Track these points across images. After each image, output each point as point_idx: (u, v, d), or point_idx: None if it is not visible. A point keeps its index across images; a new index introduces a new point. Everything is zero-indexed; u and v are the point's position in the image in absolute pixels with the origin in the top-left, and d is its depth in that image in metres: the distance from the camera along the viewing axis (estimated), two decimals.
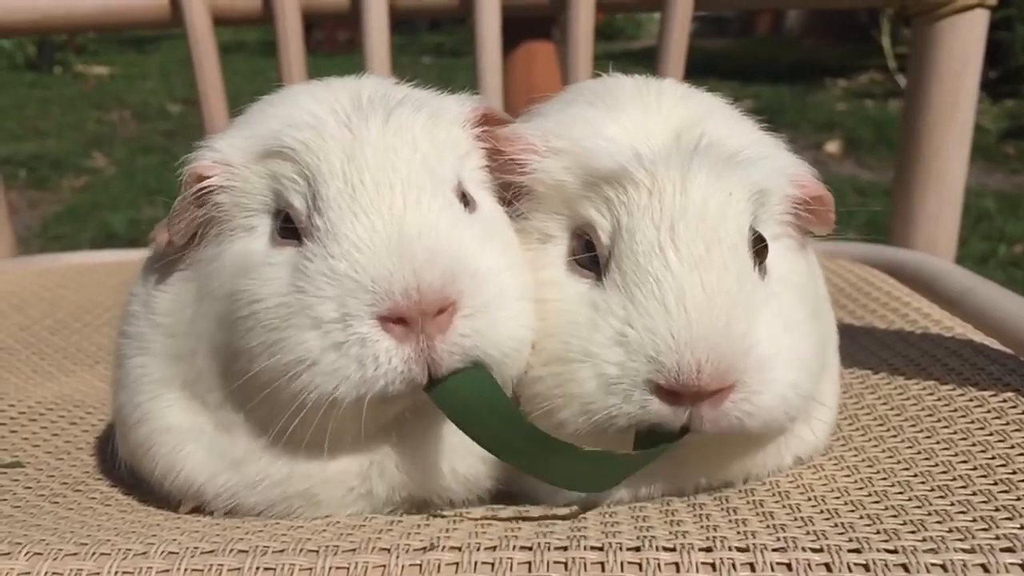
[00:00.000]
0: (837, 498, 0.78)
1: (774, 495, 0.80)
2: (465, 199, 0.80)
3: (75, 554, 0.70)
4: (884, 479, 0.81)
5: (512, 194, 0.85)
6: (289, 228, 0.77)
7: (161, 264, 0.85)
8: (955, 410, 0.94)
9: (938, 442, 0.88)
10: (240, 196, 0.80)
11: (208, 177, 0.80)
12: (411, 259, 0.71)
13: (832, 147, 5.79)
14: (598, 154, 0.80)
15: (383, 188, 0.74)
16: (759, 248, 0.80)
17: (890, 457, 0.86)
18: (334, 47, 11.59)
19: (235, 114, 0.88)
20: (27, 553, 0.71)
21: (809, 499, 0.78)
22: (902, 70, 6.76)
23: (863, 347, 1.16)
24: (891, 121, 6.18)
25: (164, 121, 7.09)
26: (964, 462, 0.83)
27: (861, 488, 0.80)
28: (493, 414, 0.73)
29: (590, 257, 0.80)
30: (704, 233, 0.76)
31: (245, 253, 0.79)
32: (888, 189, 4.68)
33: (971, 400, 0.95)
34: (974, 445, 0.86)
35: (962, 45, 1.58)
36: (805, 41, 9.71)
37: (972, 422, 0.90)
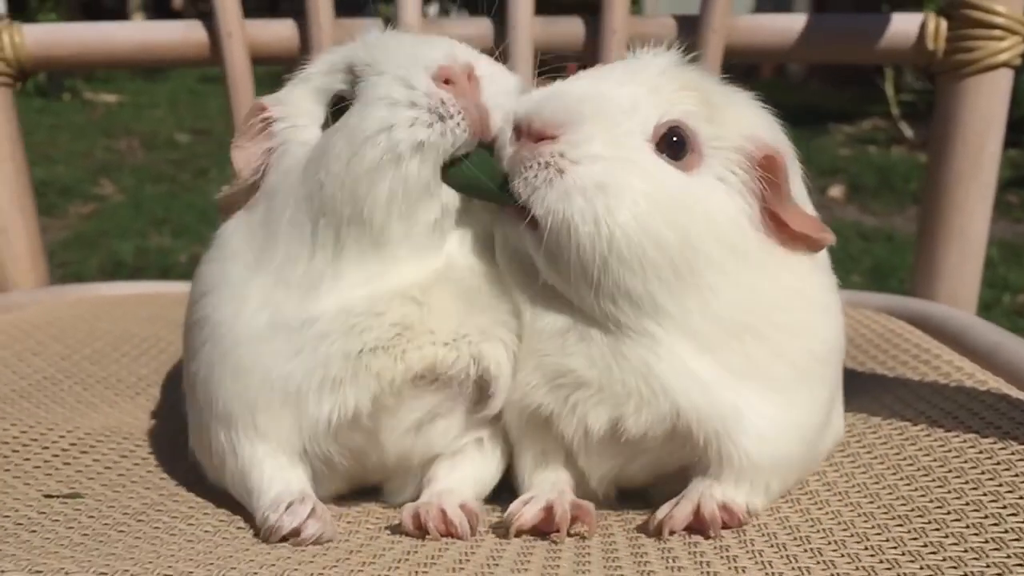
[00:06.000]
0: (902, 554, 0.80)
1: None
2: None
3: None
4: (937, 530, 0.84)
5: None
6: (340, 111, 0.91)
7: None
8: (998, 463, 0.96)
9: (985, 494, 0.90)
10: (297, 118, 0.94)
11: (267, 108, 0.95)
12: (436, 42, 0.91)
13: (835, 192, 5.85)
14: None
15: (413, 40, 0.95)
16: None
17: (939, 508, 0.88)
18: None
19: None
20: None
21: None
22: (905, 117, 6.83)
23: (899, 399, 1.18)
24: (894, 167, 6.23)
25: (172, 150, 7.13)
26: (1014, 515, 0.85)
27: (924, 545, 0.82)
28: (493, 181, 0.87)
29: None
30: None
31: (309, 143, 0.92)
32: (891, 234, 4.75)
33: (1013, 453, 0.97)
34: (1021, 498, 0.88)
35: (986, 104, 1.61)
36: (809, 86, 9.81)
37: (1016, 475, 0.93)
